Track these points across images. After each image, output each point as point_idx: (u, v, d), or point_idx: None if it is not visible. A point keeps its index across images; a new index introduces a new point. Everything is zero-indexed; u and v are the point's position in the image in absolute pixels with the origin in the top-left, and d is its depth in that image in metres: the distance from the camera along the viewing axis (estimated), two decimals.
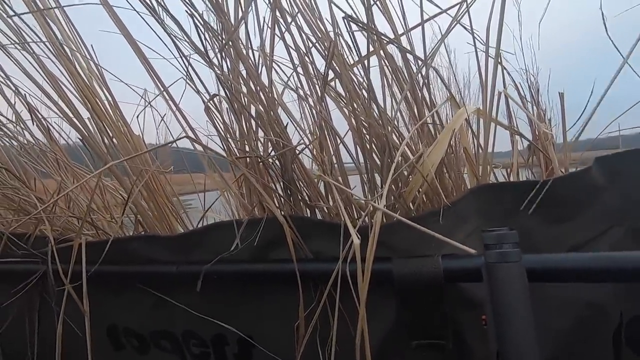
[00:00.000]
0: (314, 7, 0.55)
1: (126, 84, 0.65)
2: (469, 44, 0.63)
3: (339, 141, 0.57)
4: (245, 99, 0.55)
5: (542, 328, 0.44)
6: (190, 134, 0.57)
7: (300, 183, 0.59)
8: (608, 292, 0.58)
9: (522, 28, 0.78)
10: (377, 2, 0.53)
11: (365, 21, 0.50)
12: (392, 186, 0.55)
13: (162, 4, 0.50)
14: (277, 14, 0.51)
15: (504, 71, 0.73)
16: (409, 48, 0.54)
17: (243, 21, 0.50)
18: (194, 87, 0.57)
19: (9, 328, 0.74)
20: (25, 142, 0.79)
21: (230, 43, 0.51)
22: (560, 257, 0.48)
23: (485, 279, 0.43)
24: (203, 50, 0.52)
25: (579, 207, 0.59)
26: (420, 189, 0.55)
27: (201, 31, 0.50)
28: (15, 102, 0.73)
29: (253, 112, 0.56)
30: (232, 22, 0.51)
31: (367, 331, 0.46)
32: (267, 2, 0.53)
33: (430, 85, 0.57)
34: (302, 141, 0.56)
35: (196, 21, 0.49)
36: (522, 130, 0.73)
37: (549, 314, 0.55)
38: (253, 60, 0.55)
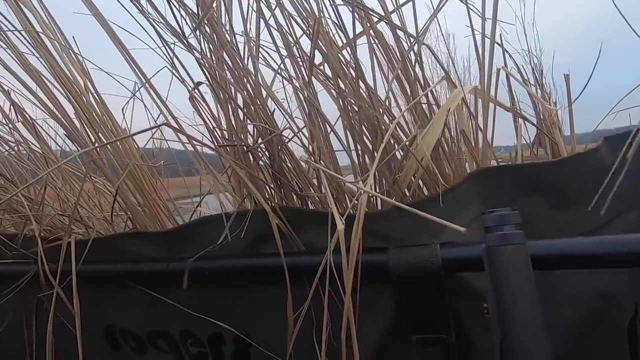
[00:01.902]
0: None
1: (107, 72, 0.63)
2: (467, 27, 0.60)
3: (328, 128, 0.54)
4: (230, 86, 0.53)
5: (552, 320, 0.41)
6: (174, 124, 0.55)
7: (291, 173, 0.56)
8: (622, 282, 0.55)
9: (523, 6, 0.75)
10: None
11: None
12: (386, 172, 0.52)
13: None
14: None
15: (505, 53, 0.70)
16: (399, 24, 0.51)
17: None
18: (178, 76, 0.55)
19: (7, 330, 0.74)
20: (12, 140, 0.78)
21: (212, 27, 0.49)
22: (566, 242, 0.44)
23: (487, 264, 0.40)
24: (180, 31, 0.49)
25: (587, 191, 0.55)
26: (415, 175, 0.52)
27: (175, 7, 0.47)
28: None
29: (238, 99, 0.53)
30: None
31: (365, 325, 0.43)
32: None
33: (424, 64, 0.54)
34: (288, 125, 0.53)
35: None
36: (525, 117, 0.70)
37: (560, 305, 0.52)
38: (235, 43, 0.52)
